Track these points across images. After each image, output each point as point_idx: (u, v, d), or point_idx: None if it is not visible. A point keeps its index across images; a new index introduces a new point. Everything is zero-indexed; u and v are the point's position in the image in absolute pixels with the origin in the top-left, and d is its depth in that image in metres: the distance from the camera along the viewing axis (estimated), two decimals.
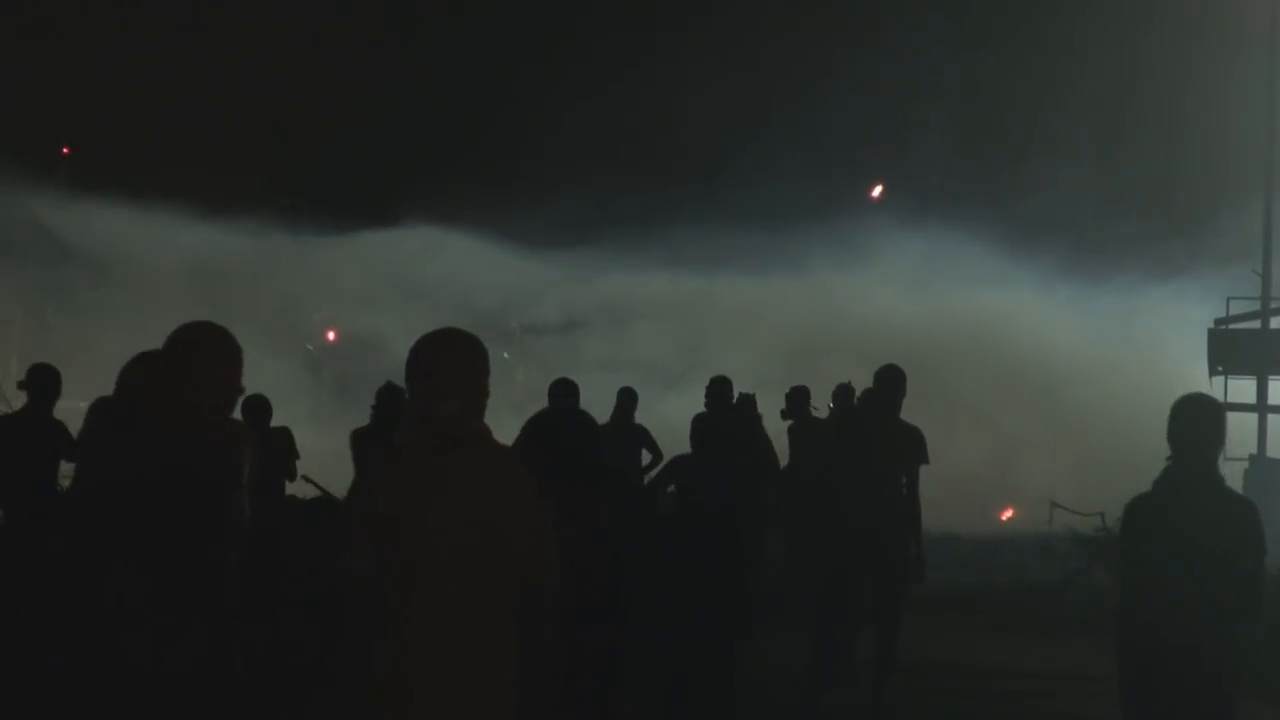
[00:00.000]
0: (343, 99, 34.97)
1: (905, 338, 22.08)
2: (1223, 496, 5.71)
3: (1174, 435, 5.71)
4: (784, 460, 13.12)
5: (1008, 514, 22.42)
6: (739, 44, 33.87)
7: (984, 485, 21.03)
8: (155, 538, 4.44)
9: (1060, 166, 28.65)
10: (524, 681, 4.06)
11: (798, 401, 13.46)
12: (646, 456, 12.75)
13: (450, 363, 4.18)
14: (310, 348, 30.03)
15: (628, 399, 12.85)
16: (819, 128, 31.11)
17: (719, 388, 12.44)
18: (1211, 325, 24.24)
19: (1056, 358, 24.68)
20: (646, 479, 12.17)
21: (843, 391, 13.15)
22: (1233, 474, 23.37)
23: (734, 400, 12.54)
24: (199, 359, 4.72)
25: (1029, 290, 26.50)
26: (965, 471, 18.94)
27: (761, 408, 13.09)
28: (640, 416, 12.98)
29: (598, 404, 12.73)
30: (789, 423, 13.40)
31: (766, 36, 33.74)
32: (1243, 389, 23.98)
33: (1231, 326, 24.33)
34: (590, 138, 33.07)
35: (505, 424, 8.92)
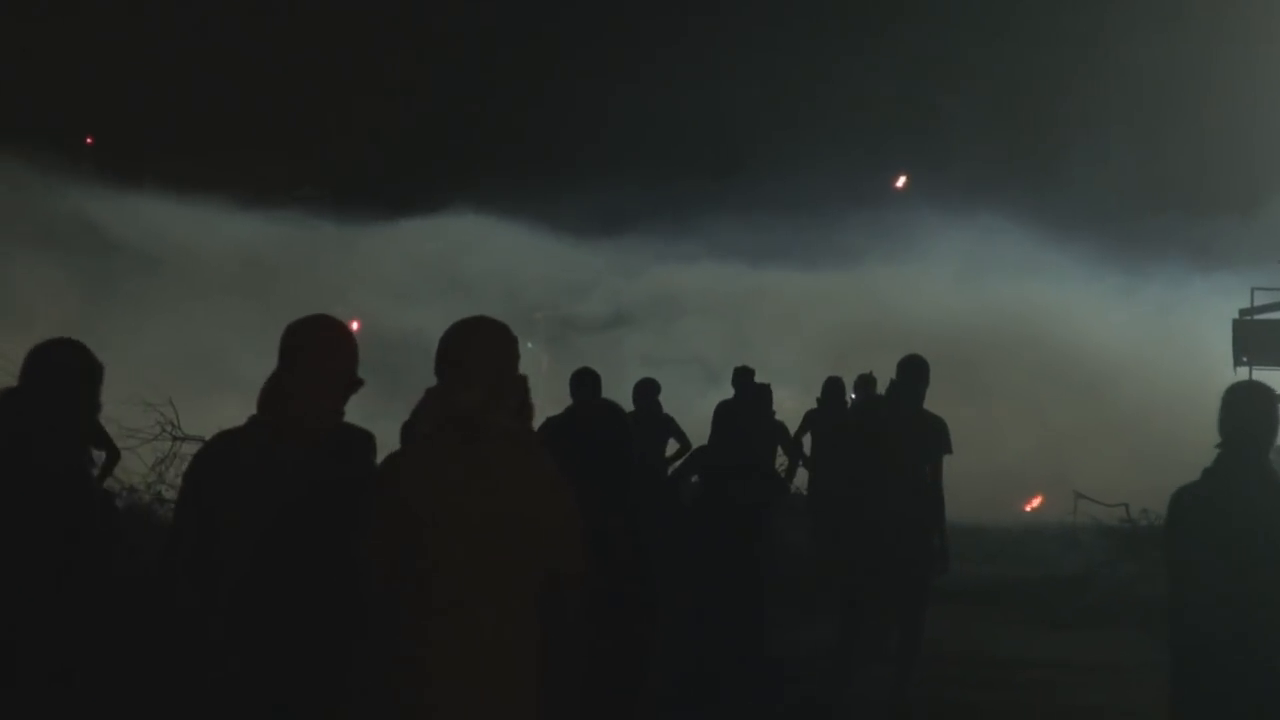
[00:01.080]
0: (380, 86, 34.81)
1: (950, 331, 22.12)
2: (1273, 488, 5.49)
3: (1225, 424, 5.50)
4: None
5: (1033, 504, 22.38)
6: (784, 32, 33.59)
7: (1024, 478, 21.03)
8: (300, 556, 4.29)
9: (1101, 158, 28.51)
10: (550, 677, 4.03)
11: (834, 392, 13.49)
12: (673, 446, 12.80)
13: (475, 351, 4.12)
14: None
15: (651, 389, 12.88)
16: (864, 118, 30.85)
17: (742, 377, 12.55)
18: (1236, 316, 24.13)
19: (1099, 349, 24.62)
20: (671, 469, 12.21)
21: (864, 382, 13.17)
22: None
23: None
24: (332, 356, 4.46)
25: (1073, 281, 26.44)
26: (1008, 464, 18.95)
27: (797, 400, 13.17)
28: (685, 411, 13.01)
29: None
30: (807, 410, 13.47)
31: (810, 24, 33.51)
32: (1269, 380, 23.74)
33: (1257, 317, 24.18)
34: (634, 126, 32.91)
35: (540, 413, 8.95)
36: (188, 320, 24.98)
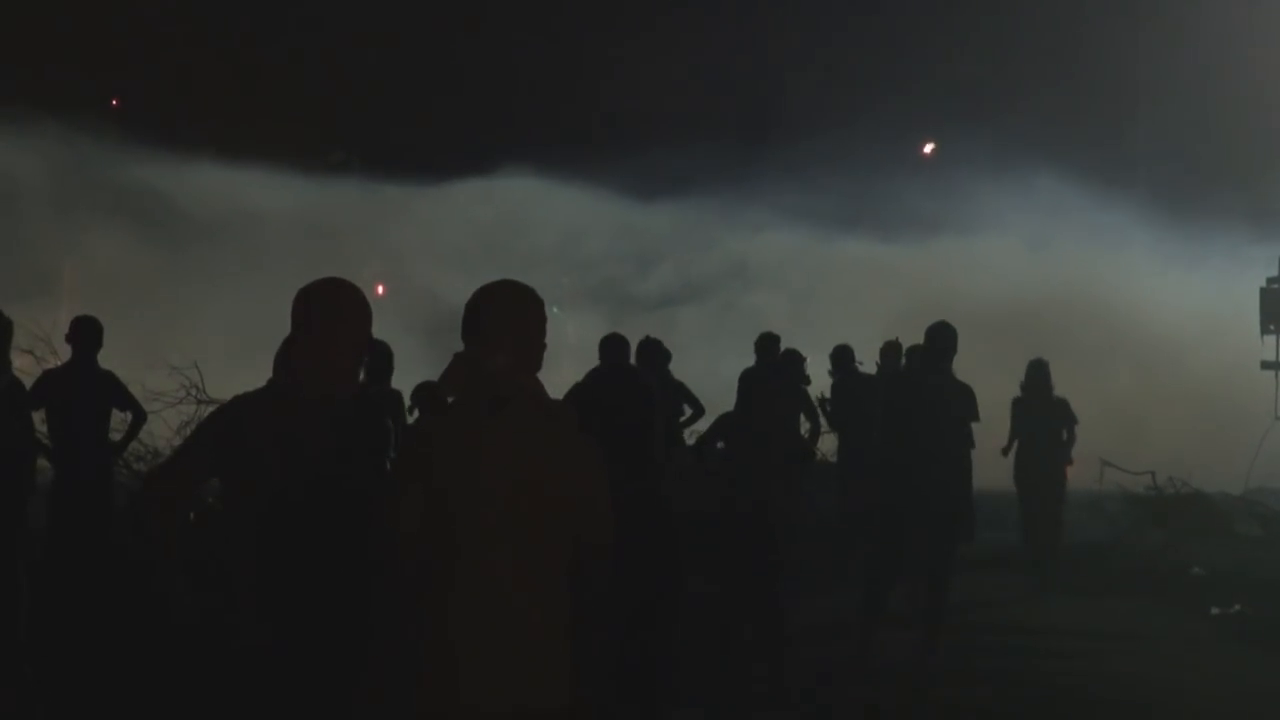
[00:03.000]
0: (435, 46, 34.34)
1: (1017, 304, 22.14)
2: None
3: None
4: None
5: None
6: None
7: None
8: (329, 521, 4.23)
9: (1166, 129, 28.28)
10: (578, 642, 3.93)
11: (843, 360, 13.41)
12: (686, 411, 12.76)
13: (501, 316, 4.00)
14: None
15: (662, 354, 12.80)
16: (933, 90, 30.35)
17: (765, 344, 12.45)
18: (1263, 284, 23.96)
19: (1153, 320, 24.57)
20: (688, 431, 12.16)
21: (890, 349, 13.09)
22: None
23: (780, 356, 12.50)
24: (344, 319, 4.36)
25: (1137, 252, 26.35)
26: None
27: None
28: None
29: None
30: (831, 381, 13.41)
31: None
32: None
33: None
34: (701, 91, 32.51)
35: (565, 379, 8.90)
36: (226, 286, 25.04)
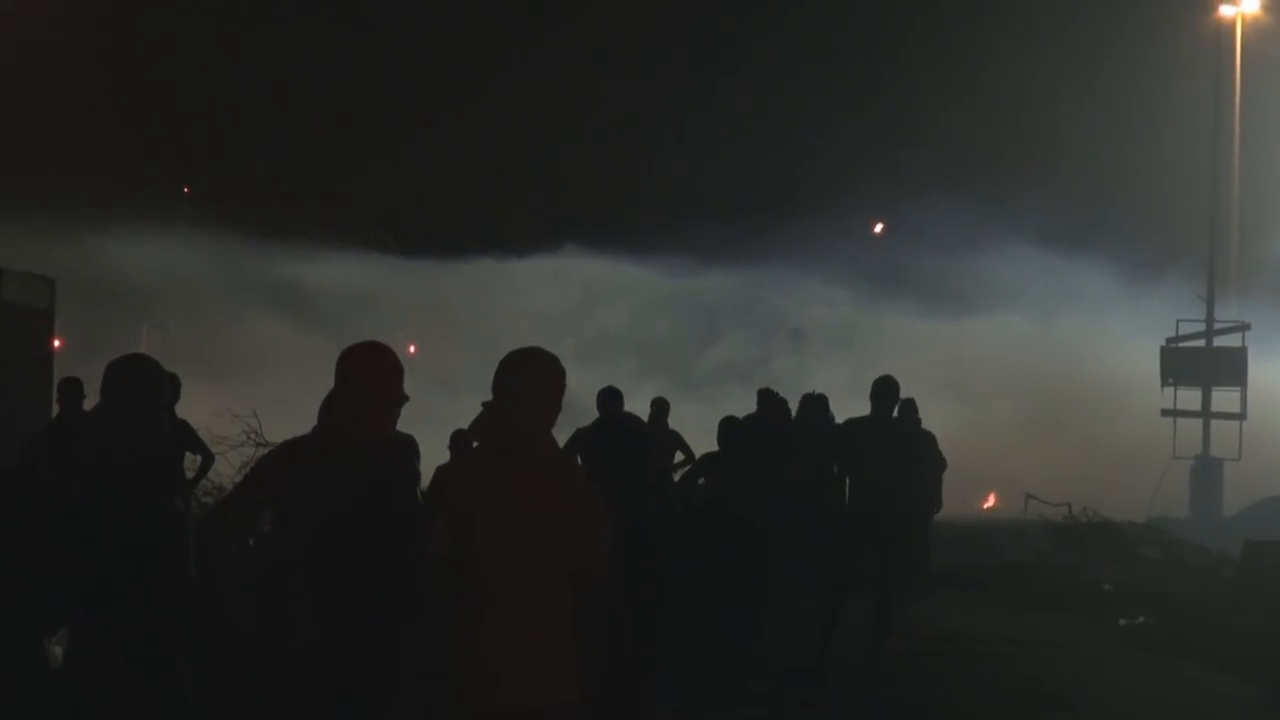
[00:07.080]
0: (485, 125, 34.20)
1: (1013, 370, 22.29)
2: None
3: None
4: None
5: (989, 503, 22.40)
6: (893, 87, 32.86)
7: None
8: (372, 543, 4.33)
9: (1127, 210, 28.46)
10: (582, 649, 4.00)
11: (811, 408, 13.42)
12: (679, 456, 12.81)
13: (527, 377, 4.12)
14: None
15: (663, 407, 12.88)
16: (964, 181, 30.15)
17: (763, 398, 12.41)
18: (1164, 343, 24.32)
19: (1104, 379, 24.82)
20: (678, 475, 12.21)
21: (809, 400, 12.94)
22: (1180, 471, 23.36)
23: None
24: (379, 376, 4.44)
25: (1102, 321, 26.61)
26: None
27: None
28: None
29: None
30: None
31: (909, 85, 32.95)
32: (1190, 398, 24.13)
33: (1181, 345, 24.42)
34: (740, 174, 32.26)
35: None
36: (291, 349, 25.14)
